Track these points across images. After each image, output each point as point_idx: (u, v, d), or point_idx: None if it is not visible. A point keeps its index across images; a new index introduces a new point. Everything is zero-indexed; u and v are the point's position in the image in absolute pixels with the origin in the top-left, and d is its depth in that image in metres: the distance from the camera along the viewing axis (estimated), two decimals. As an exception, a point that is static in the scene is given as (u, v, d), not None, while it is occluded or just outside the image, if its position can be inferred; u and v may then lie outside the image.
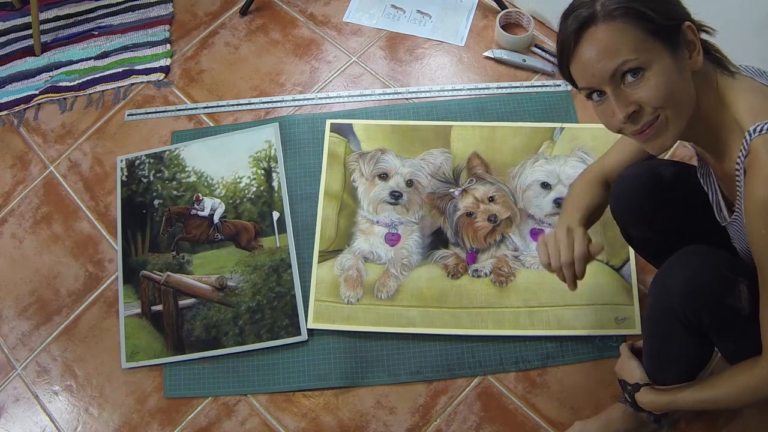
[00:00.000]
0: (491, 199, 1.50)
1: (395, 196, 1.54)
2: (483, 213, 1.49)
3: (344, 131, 1.64)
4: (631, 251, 1.45)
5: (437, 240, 1.52)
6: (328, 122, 1.65)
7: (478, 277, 1.47)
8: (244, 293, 1.50)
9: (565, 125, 1.59)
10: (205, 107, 1.77)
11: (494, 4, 1.80)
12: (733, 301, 0.94)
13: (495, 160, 1.57)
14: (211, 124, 1.74)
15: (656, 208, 1.13)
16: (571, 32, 0.85)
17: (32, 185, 1.73)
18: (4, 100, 1.84)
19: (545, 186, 1.52)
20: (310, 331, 1.46)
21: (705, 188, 1.03)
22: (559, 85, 1.68)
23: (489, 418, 1.38)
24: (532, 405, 1.38)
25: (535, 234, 1.50)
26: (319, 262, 1.51)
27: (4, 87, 1.87)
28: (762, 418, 1.32)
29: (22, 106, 1.83)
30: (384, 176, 1.56)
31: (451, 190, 1.53)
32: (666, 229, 1.15)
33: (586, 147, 1.56)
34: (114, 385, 1.48)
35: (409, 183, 1.55)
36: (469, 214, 1.50)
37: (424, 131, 1.62)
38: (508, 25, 1.80)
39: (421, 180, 1.56)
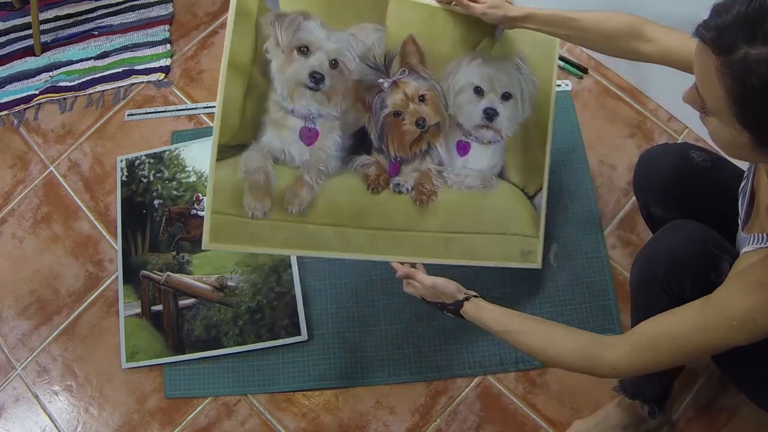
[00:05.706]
0: (422, 99, 1.33)
1: (316, 79, 1.26)
2: (411, 114, 1.32)
3: None
4: (546, 181, 1.39)
5: (359, 143, 1.32)
6: None
7: (399, 192, 1.31)
8: (244, 293, 1.50)
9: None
10: (205, 107, 1.77)
11: (494, 5, 1.80)
12: (715, 277, 0.93)
13: (432, 50, 1.36)
14: (211, 124, 1.74)
15: (683, 190, 1.12)
16: None
17: (32, 185, 1.73)
18: (4, 100, 1.84)
19: (478, 91, 1.38)
20: (310, 331, 1.46)
21: (744, 181, 0.99)
22: (559, 85, 1.68)
23: (489, 418, 1.38)
24: (532, 405, 1.38)
25: (461, 147, 1.39)
26: (218, 159, 1.18)
27: (4, 87, 1.87)
28: (761, 418, 1.33)
29: (22, 106, 1.83)
30: (305, 50, 1.26)
31: (380, 80, 1.33)
32: (687, 213, 1.13)
33: (523, 53, 1.40)
34: (114, 385, 1.48)
35: (334, 64, 1.28)
36: (397, 114, 1.33)
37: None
38: (508, 26, 1.80)
39: (348, 62, 1.30)
